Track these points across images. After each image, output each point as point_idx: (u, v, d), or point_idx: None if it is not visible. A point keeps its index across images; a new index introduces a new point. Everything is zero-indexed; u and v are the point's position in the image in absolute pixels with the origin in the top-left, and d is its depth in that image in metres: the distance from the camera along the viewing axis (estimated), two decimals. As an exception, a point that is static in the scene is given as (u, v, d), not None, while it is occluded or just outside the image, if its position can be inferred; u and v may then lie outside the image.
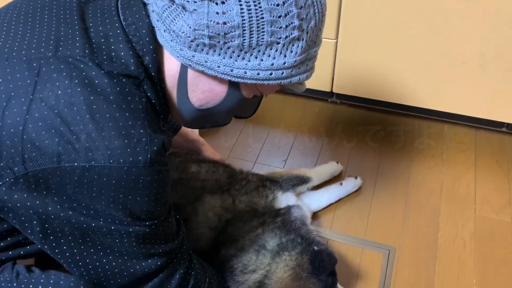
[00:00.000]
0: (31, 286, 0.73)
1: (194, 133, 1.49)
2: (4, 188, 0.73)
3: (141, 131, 0.75)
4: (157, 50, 0.82)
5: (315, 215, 1.43)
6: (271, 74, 0.78)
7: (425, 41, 1.48)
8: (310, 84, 1.72)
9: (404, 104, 1.68)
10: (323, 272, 1.06)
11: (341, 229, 1.40)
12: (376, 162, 1.59)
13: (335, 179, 1.52)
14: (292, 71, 0.79)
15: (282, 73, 0.78)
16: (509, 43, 1.41)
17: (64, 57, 0.75)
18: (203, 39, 0.75)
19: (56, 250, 0.81)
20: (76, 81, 0.73)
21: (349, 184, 1.48)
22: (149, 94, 0.81)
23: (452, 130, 1.71)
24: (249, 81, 0.79)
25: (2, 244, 0.85)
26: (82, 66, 0.74)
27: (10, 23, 0.82)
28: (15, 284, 0.73)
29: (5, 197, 0.74)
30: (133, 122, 0.74)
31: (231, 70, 0.78)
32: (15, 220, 0.78)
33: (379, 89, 1.66)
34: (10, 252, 0.86)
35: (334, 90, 1.72)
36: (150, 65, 0.80)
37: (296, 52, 0.78)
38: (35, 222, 0.77)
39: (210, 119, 0.91)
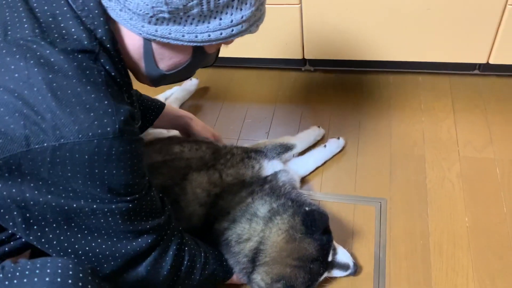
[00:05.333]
0: (17, 274, 0.71)
1: (180, 109, 1.47)
2: None
3: (105, 102, 0.74)
4: (109, 21, 0.80)
5: (304, 180, 1.44)
6: (232, 31, 0.79)
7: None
8: (282, 53, 1.72)
9: (377, 60, 1.69)
10: (316, 230, 1.07)
11: (331, 190, 1.41)
12: (357, 121, 1.60)
13: (319, 143, 1.53)
14: (250, 22, 0.81)
15: (242, 26, 0.80)
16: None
17: (15, 40, 0.74)
18: (163, 14, 0.75)
19: (43, 240, 0.79)
20: (32, 61, 0.72)
21: (333, 145, 1.49)
22: (107, 67, 0.80)
23: (426, 79, 1.72)
24: (214, 43, 0.80)
25: None
26: (34, 46, 0.73)
27: None
28: (1, 275, 0.71)
29: None
30: (96, 95, 0.74)
31: (196, 37, 0.78)
32: None
33: (350, 49, 1.66)
34: None
35: (306, 57, 1.72)
36: (104, 37, 0.79)
37: (251, 3, 0.78)
38: (15, 212, 0.75)
39: (177, 77, 0.93)
